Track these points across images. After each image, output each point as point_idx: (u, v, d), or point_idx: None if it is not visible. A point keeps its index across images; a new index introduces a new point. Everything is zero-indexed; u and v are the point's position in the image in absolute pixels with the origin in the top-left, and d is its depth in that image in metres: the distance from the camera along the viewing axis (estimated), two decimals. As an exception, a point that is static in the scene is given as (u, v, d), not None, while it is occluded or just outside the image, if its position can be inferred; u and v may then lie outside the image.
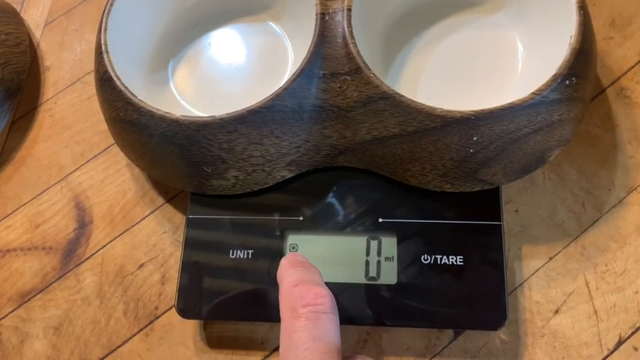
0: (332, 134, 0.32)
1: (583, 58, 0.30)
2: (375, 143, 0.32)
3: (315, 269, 0.29)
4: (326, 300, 0.27)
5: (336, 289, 0.32)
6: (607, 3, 0.39)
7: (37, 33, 0.42)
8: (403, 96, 0.30)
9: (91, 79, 0.40)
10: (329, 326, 0.27)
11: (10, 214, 0.37)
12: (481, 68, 0.34)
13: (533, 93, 0.29)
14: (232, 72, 0.36)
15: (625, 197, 0.35)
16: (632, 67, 0.38)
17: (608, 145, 0.36)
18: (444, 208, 0.33)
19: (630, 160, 0.35)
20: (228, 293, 0.32)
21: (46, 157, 0.39)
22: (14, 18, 0.40)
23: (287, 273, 0.29)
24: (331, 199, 0.34)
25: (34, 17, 0.43)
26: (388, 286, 0.32)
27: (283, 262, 0.30)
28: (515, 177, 0.32)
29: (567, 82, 0.30)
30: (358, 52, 0.31)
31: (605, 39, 0.38)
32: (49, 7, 0.43)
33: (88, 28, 0.42)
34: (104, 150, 0.38)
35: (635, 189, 0.35)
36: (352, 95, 0.31)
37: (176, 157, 0.32)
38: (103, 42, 0.32)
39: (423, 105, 0.30)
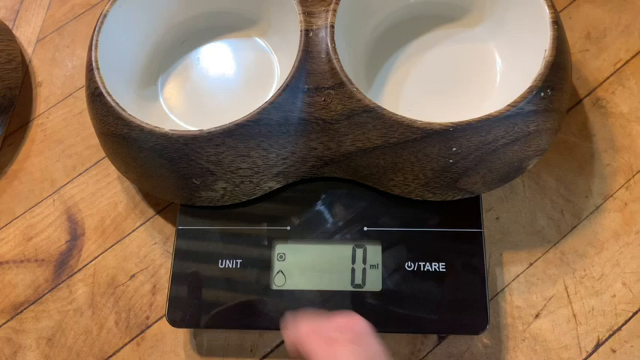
0: (317, 146, 0.33)
1: (558, 71, 0.32)
2: (359, 154, 0.33)
3: None
4: (363, 322, 0.25)
5: (323, 297, 0.33)
6: (582, 17, 0.41)
7: (29, 49, 0.43)
8: (385, 109, 0.31)
9: (82, 94, 0.41)
10: (377, 346, 0.25)
11: (2, 228, 0.38)
12: (461, 80, 0.35)
13: (509, 105, 0.30)
14: (220, 86, 0.37)
15: (602, 204, 0.36)
16: (607, 78, 0.39)
17: (585, 154, 0.37)
18: (427, 217, 0.34)
19: (607, 168, 0.36)
20: (217, 302, 0.33)
21: (38, 171, 0.39)
22: (6, 35, 0.41)
23: (301, 331, 0.26)
24: (318, 208, 0.35)
25: (26, 34, 0.44)
26: (373, 293, 0.32)
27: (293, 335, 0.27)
28: (494, 186, 0.33)
29: (542, 94, 0.31)
30: (341, 67, 0.32)
31: (581, 51, 0.40)
32: (40, 24, 0.44)
33: (79, 44, 0.43)
34: (95, 163, 0.39)
35: (611, 196, 0.36)
36: (336, 108, 0.32)
37: (165, 170, 0.33)
38: (93, 59, 0.33)
39: (404, 117, 0.31)
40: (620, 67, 0.39)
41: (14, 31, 0.43)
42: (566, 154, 0.37)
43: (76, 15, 0.44)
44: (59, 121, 0.41)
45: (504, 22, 0.36)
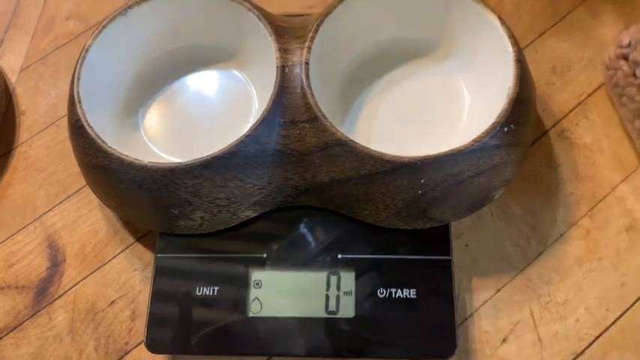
0: (293, 176, 0.35)
1: (521, 107, 0.33)
2: (333, 185, 0.34)
3: None
4: None
5: (298, 323, 0.34)
6: (548, 51, 0.43)
7: (12, 78, 0.44)
8: (357, 143, 0.32)
9: (65, 122, 0.42)
10: None
11: (-16, 255, 0.39)
12: (431, 114, 0.37)
13: (473, 140, 0.32)
14: (200, 117, 0.38)
15: (566, 232, 0.37)
16: (572, 110, 0.41)
17: (550, 183, 0.39)
18: (399, 244, 0.35)
19: (571, 197, 0.38)
20: (195, 329, 0.34)
21: (20, 199, 0.40)
22: (-10, 65, 0.42)
23: None
24: (293, 236, 0.36)
25: (10, 63, 0.45)
26: (347, 320, 0.33)
27: None
28: (463, 215, 0.35)
29: (506, 129, 0.32)
30: (315, 102, 0.33)
31: (547, 84, 0.42)
32: (24, 54, 0.45)
33: (63, 74, 0.44)
34: (77, 191, 0.40)
35: (575, 224, 0.37)
36: (311, 141, 0.34)
37: (145, 200, 0.34)
38: (75, 92, 0.34)
39: (375, 151, 0.32)
40: (584, 100, 0.41)
41: (-2, 60, 0.44)
42: (532, 183, 0.38)
43: (60, 45, 0.45)
44: (42, 149, 0.42)
45: (472, 58, 0.37)
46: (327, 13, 0.35)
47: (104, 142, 0.33)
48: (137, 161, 0.32)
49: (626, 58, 0.37)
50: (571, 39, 0.43)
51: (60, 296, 0.37)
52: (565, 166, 0.39)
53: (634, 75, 0.36)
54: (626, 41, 0.37)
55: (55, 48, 0.45)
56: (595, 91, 0.41)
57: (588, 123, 0.40)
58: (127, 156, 0.33)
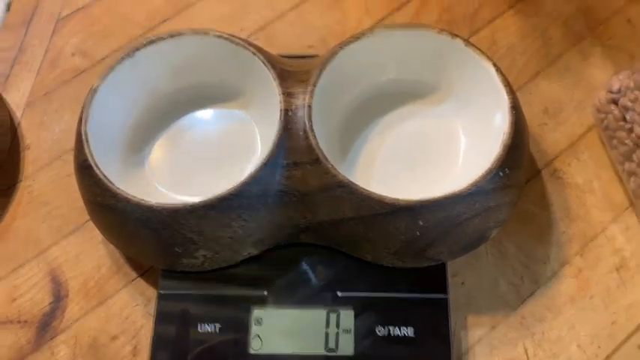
0: (294, 215, 0.36)
1: (515, 152, 0.35)
2: (334, 224, 0.35)
3: None
4: None
5: (298, 361, 0.34)
6: (541, 93, 0.44)
7: (17, 113, 0.45)
8: (357, 185, 0.33)
9: (70, 157, 0.43)
10: None
11: (-13, 289, 0.39)
12: (428, 157, 0.38)
13: (470, 184, 0.33)
14: (204, 155, 0.39)
15: (559, 270, 0.38)
16: (564, 150, 0.42)
17: (543, 223, 0.40)
18: (397, 282, 0.36)
19: (563, 236, 0.39)
20: (196, 365, 0.34)
21: (23, 233, 0.41)
22: (-3, 100, 0.43)
23: None
24: (294, 273, 0.36)
25: (15, 98, 0.45)
26: (346, 358, 0.34)
27: None
28: (459, 254, 0.36)
29: (501, 173, 0.34)
30: (317, 144, 0.34)
31: (540, 125, 0.43)
32: (29, 89, 0.46)
33: (68, 109, 0.45)
34: (81, 225, 0.41)
35: (567, 263, 0.39)
36: (312, 182, 0.35)
37: (149, 239, 0.35)
38: (83, 132, 0.35)
39: (375, 194, 0.33)
40: (575, 141, 0.42)
41: (4, 94, 0.45)
42: (525, 222, 0.40)
43: (65, 80, 0.46)
44: (46, 183, 0.42)
45: (468, 102, 0.39)
46: (329, 58, 0.37)
47: (111, 183, 0.34)
48: (143, 202, 0.33)
49: (616, 102, 0.38)
50: (562, 81, 0.45)
51: (62, 331, 0.38)
52: (557, 206, 0.40)
53: (624, 119, 0.38)
54: (616, 87, 0.38)
55: (61, 83, 0.46)
56: (586, 132, 0.43)
57: (580, 163, 0.42)
58: (134, 196, 0.33)
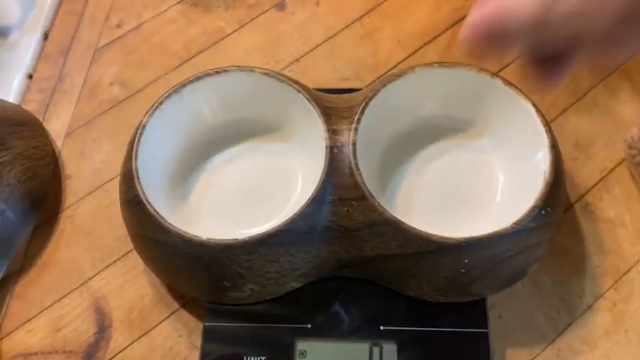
0: (339, 250, 0.36)
1: (555, 190, 0.35)
2: (378, 260, 0.36)
3: None
4: None
5: (343, 395, 0.35)
6: (571, 127, 0.45)
7: (58, 142, 0.46)
8: (404, 223, 0.34)
9: (110, 187, 0.44)
10: None
11: (32, 318, 0.40)
12: (465, 193, 0.39)
13: (514, 223, 0.34)
14: (246, 189, 0.40)
15: (593, 304, 0.39)
16: (595, 184, 0.43)
17: (577, 256, 0.41)
18: (438, 317, 0.37)
19: (597, 270, 0.40)
20: (243, 398, 0.35)
21: (67, 262, 0.41)
22: (39, 130, 0.44)
23: None
24: (337, 307, 0.37)
25: (55, 127, 0.46)
26: (390, 392, 0.35)
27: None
28: (499, 289, 0.37)
29: (543, 212, 0.35)
30: (363, 182, 0.35)
31: (571, 159, 0.44)
32: (69, 119, 0.46)
33: (106, 138, 0.46)
34: (123, 255, 0.41)
35: (601, 296, 0.39)
36: (358, 218, 0.35)
37: (198, 273, 0.35)
38: (134, 168, 0.36)
39: (421, 231, 0.34)
40: (606, 175, 0.43)
41: (44, 124, 0.46)
42: (560, 256, 0.41)
43: (104, 110, 0.47)
44: (87, 213, 0.43)
45: (505, 139, 0.40)
46: (372, 96, 0.37)
47: (163, 219, 0.34)
48: (196, 237, 0.34)
49: (648, 140, 0.40)
50: (590, 116, 0.46)
51: (107, 362, 0.38)
52: (590, 240, 0.41)
53: (656, 158, 0.39)
54: (647, 126, 0.39)
55: (99, 113, 0.47)
56: (616, 166, 0.44)
57: (611, 197, 0.43)
58: (186, 232, 0.34)
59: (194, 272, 0.35)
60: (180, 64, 0.48)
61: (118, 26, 0.50)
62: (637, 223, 0.42)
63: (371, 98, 0.38)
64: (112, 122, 0.46)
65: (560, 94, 0.46)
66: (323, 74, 0.48)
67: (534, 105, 0.37)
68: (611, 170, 0.44)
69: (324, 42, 0.49)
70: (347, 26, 0.50)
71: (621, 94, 0.46)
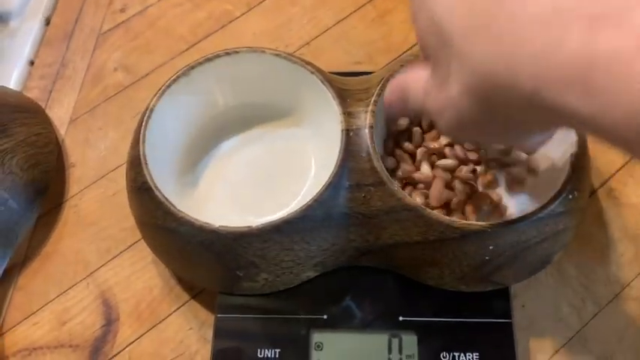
0: (356, 238, 0.35)
1: (581, 173, 0.34)
2: (397, 247, 0.34)
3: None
4: None
5: (362, 388, 0.34)
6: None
7: (61, 130, 0.44)
8: (425, 209, 0.33)
9: (115, 176, 0.42)
10: None
11: (36, 311, 0.38)
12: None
13: (541, 207, 0.32)
14: (257, 174, 0.39)
15: (620, 292, 0.38)
16: (619, 169, 0.42)
17: (602, 243, 0.39)
18: (460, 307, 0.35)
19: (622, 258, 0.39)
20: (257, 392, 0.34)
21: (71, 253, 0.40)
22: (42, 117, 0.42)
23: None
24: (353, 297, 0.36)
25: (59, 114, 0.45)
26: (410, 384, 0.34)
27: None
28: (523, 278, 0.35)
29: (570, 196, 0.33)
30: (382, 167, 0.34)
31: (593, 143, 0.42)
32: (73, 105, 0.45)
33: (112, 126, 0.44)
34: (130, 246, 0.40)
35: (628, 285, 0.38)
36: (376, 204, 0.34)
37: (211, 263, 0.34)
38: (142, 153, 0.34)
39: (444, 217, 0.32)
40: (630, 160, 0.42)
41: (47, 111, 0.44)
42: (584, 243, 0.39)
43: (108, 96, 0.45)
44: (92, 202, 0.41)
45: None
46: (390, 76, 0.36)
47: (173, 206, 0.33)
48: (207, 225, 0.32)
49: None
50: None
51: (115, 356, 0.37)
52: (615, 226, 0.40)
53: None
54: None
55: (104, 99, 0.45)
56: (640, 150, 0.42)
57: (635, 182, 0.41)
58: (197, 220, 0.33)
59: (206, 262, 0.34)
60: (187, 49, 0.47)
61: (122, 10, 0.49)
62: (663, 209, 0.40)
63: (388, 79, 0.36)
64: (117, 109, 0.45)
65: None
66: (334, 58, 0.46)
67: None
68: (635, 155, 0.42)
69: (334, 25, 0.47)
70: (358, 8, 0.48)
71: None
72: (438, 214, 0.32)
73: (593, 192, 0.41)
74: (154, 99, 0.36)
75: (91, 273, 0.39)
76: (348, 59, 0.46)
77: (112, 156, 0.43)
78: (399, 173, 0.37)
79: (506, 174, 0.38)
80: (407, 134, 0.38)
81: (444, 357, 0.34)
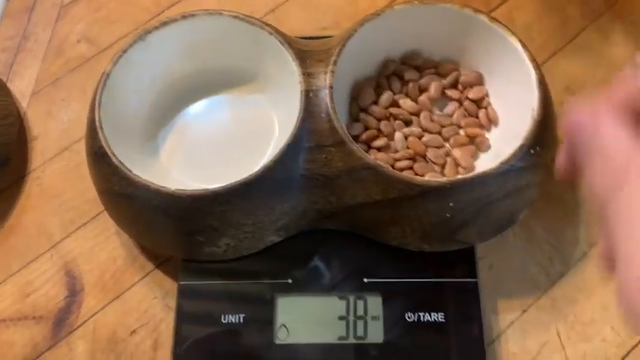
0: (318, 200, 0.34)
1: (544, 129, 0.33)
2: (359, 208, 0.34)
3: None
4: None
5: (327, 349, 0.33)
6: (560, 72, 0.43)
7: (23, 103, 0.43)
8: (385, 166, 0.32)
9: (79, 147, 0.41)
10: None
11: (-1, 284, 0.38)
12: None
13: (501, 163, 0.32)
14: (220, 141, 0.38)
15: (589, 251, 0.37)
16: (587, 129, 0.41)
17: (570, 203, 0.39)
18: (425, 267, 0.35)
19: (591, 217, 0.38)
20: (221, 357, 0.33)
21: (34, 226, 0.39)
22: (2, 90, 0.42)
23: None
24: (318, 261, 0.35)
25: (20, 87, 0.44)
26: (376, 345, 0.33)
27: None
28: (488, 237, 0.35)
29: (532, 151, 0.33)
30: (341, 126, 0.33)
31: (562, 103, 0.42)
32: (35, 77, 0.44)
33: (75, 97, 0.43)
34: (93, 217, 0.39)
35: (596, 244, 0.38)
36: (337, 165, 0.33)
37: (170, 228, 0.33)
38: (97, 118, 0.34)
39: (404, 175, 0.32)
40: (599, 119, 0.41)
41: (8, 85, 0.43)
42: (552, 203, 0.39)
43: (71, 68, 0.44)
44: (56, 175, 0.41)
45: (491, 77, 0.38)
46: (349, 36, 0.35)
47: (129, 170, 0.32)
48: (164, 188, 0.32)
49: (642, 78, 0.37)
50: (582, 59, 0.44)
51: (79, 326, 0.36)
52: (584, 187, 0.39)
53: (651, 95, 0.37)
54: (642, 62, 0.37)
55: (67, 71, 0.44)
56: (609, 110, 0.42)
57: (604, 142, 0.41)
58: (153, 183, 0.32)
59: (165, 227, 0.33)
60: (151, 19, 0.46)
61: (85, -18, 0.48)
62: (632, 168, 0.40)
63: (348, 39, 0.35)
64: (80, 81, 0.44)
65: (548, 38, 0.44)
66: (300, 24, 0.45)
67: (520, 41, 0.35)
68: (604, 114, 0.42)
69: (301, -9, 0.47)
70: (325, -27, 0.47)
71: (613, 35, 0.44)
72: (397, 171, 0.32)
73: (562, 152, 0.40)
74: (110, 64, 0.35)
75: (55, 245, 0.39)
76: (314, 25, 0.45)
77: (75, 128, 0.42)
78: (363, 137, 0.37)
79: (471, 136, 0.37)
80: (371, 99, 0.38)
81: (408, 317, 0.34)
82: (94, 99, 0.35)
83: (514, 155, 0.32)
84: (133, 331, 0.36)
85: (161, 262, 0.38)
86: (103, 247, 0.38)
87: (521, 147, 0.32)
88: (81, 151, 0.41)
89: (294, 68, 0.35)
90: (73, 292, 0.37)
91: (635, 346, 0.35)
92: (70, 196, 0.40)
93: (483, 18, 0.36)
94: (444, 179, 0.32)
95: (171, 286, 0.37)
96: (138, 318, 0.36)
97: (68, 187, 0.40)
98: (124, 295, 0.37)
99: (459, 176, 0.32)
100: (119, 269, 0.38)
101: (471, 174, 0.32)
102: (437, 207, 0.32)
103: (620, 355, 0.35)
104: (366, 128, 0.37)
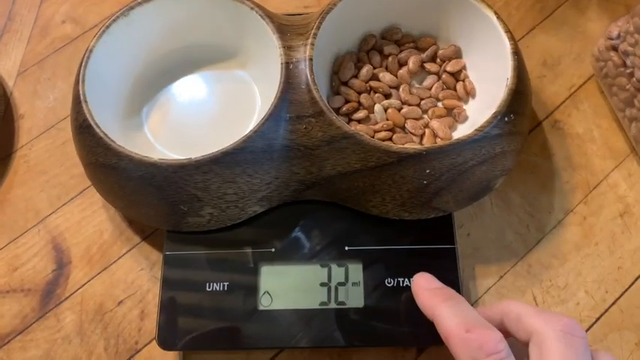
0: (299, 170, 0.35)
1: (519, 97, 0.34)
2: (339, 178, 0.35)
3: (461, 298, 0.31)
4: (503, 345, 0.27)
5: (309, 315, 0.34)
6: (538, 46, 0.44)
7: (9, 82, 0.44)
8: (363, 135, 0.33)
9: (65, 125, 0.42)
10: None
11: (-13, 259, 0.38)
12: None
13: (476, 130, 0.33)
14: (203, 115, 0.39)
15: (563, 219, 0.38)
16: (563, 101, 0.42)
17: (546, 172, 0.40)
18: (404, 235, 0.36)
19: (566, 185, 0.39)
20: (206, 325, 0.34)
21: (22, 202, 0.40)
22: (-12, 69, 0.42)
23: (441, 310, 0.29)
24: (300, 230, 0.36)
25: (7, 67, 0.44)
26: (356, 310, 0.34)
27: (421, 289, 0.32)
28: (465, 204, 0.36)
29: (506, 118, 0.33)
30: (320, 97, 0.34)
31: (538, 77, 0.43)
32: (21, 58, 0.45)
33: (60, 77, 0.44)
34: (80, 192, 0.40)
35: (571, 211, 0.39)
36: (317, 135, 0.34)
37: (153, 198, 0.34)
38: (81, 92, 0.34)
39: (381, 143, 0.33)
40: (574, 92, 0.42)
41: (-6, 65, 0.44)
42: (529, 172, 0.40)
43: (56, 48, 0.45)
44: (42, 152, 0.41)
45: (467, 49, 0.38)
46: (329, 9, 0.36)
47: (112, 141, 0.33)
48: (147, 158, 0.33)
49: (615, 49, 0.38)
50: (558, 34, 0.45)
51: (67, 298, 0.37)
52: (559, 156, 0.40)
53: (624, 65, 0.38)
54: (615, 33, 0.38)
55: (52, 51, 0.45)
56: (585, 83, 0.43)
57: (579, 113, 0.42)
58: (137, 153, 0.33)
59: (149, 197, 0.34)
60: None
61: (69, -37, 0.48)
62: (606, 138, 0.41)
63: (327, 12, 0.36)
64: (66, 60, 0.45)
65: (526, 13, 0.45)
66: (283, 3, 0.46)
67: (495, 13, 0.36)
68: (580, 87, 0.43)
69: (283, -30, 0.47)
70: (307, -47, 0.48)
71: (589, 11, 0.45)
72: (375, 140, 0.33)
73: (538, 124, 0.41)
74: (94, 39, 0.36)
75: (42, 220, 0.39)
76: (296, 3, 0.46)
77: (60, 106, 0.43)
78: (344, 109, 0.38)
79: (449, 108, 0.38)
80: (352, 73, 0.39)
81: (388, 283, 0.35)
82: (78, 74, 0.35)
83: (489, 122, 0.33)
84: (120, 302, 0.37)
85: (147, 235, 0.39)
86: (90, 221, 0.39)
87: (496, 114, 0.33)
88: (66, 128, 0.42)
89: (274, 41, 0.35)
90: (61, 265, 0.38)
91: (608, 309, 0.36)
92: (57, 173, 0.41)
93: (459, -9, 0.37)
94: (420, 146, 0.33)
95: (157, 258, 0.38)
96: (125, 289, 0.37)
97: (55, 164, 0.41)
98: (111, 267, 0.38)
99: (436, 144, 0.33)
100: (106, 242, 0.39)
101: (446, 142, 0.33)
102: (414, 174, 0.33)
103: (594, 317, 0.36)
104: (347, 101, 0.38)
